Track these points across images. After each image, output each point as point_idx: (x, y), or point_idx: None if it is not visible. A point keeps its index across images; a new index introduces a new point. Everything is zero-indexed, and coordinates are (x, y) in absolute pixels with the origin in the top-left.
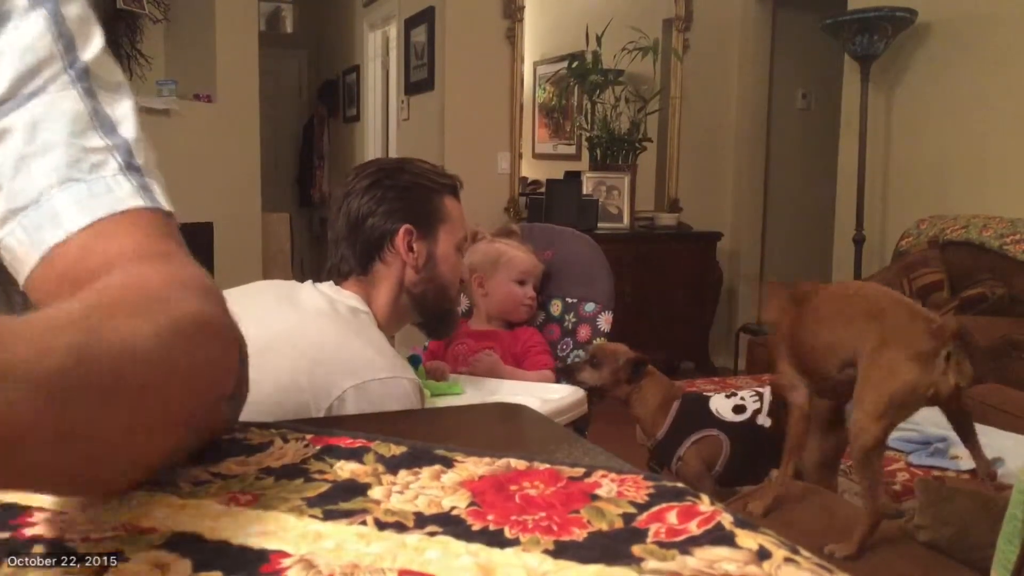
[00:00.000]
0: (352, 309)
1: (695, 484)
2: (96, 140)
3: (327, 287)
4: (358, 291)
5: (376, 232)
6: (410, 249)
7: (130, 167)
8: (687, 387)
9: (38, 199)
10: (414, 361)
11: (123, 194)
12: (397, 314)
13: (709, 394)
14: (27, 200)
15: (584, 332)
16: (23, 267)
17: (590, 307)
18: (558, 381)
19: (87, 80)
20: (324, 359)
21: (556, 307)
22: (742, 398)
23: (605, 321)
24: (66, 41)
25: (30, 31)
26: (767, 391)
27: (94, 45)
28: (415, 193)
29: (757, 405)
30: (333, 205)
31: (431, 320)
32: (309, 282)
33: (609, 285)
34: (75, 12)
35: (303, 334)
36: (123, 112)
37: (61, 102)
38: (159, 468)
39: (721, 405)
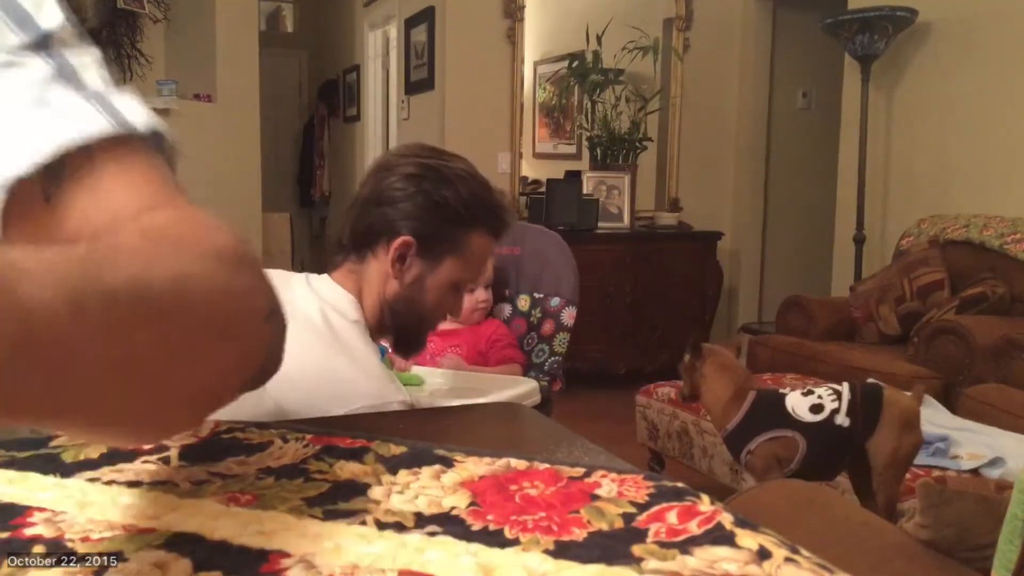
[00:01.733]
0: (342, 317)
1: (763, 479)
2: (61, 91)
3: (324, 284)
4: (352, 287)
5: (380, 223)
6: (400, 260)
7: (100, 100)
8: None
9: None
10: (379, 352)
11: (131, 114)
12: (383, 320)
13: (785, 391)
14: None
15: (548, 327)
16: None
17: (555, 302)
18: (526, 373)
19: (49, 45)
20: (310, 384)
21: (524, 302)
22: (819, 396)
23: (568, 316)
24: (18, 15)
25: None
26: (845, 389)
27: (50, 12)
28: (444, 212)
29: (835, 404)
30: (372, 169)
31: (399, 337)
32: (304, 277)
33: (574, 281)
34: None
35: (291, 354)
36: (86, 65)
37: (24, 72)
38: (218, 400)
39: (797, 404)
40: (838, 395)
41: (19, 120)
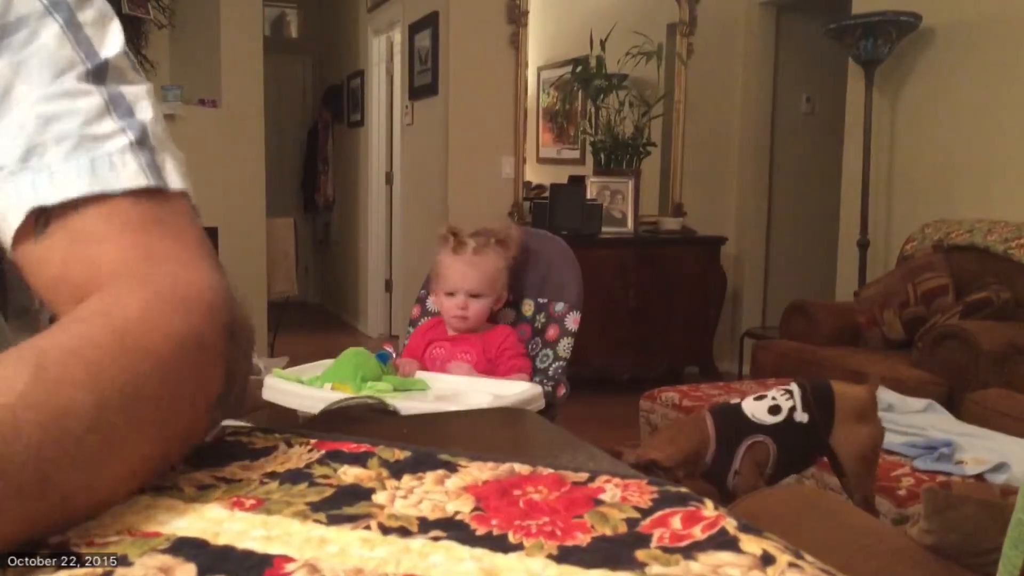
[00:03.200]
0: None
1: (748, 491)
2: (110, 125)
3: None
4: None
5: None
6: None
7: (142, 145)
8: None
9: (39, 167)
10: (383, 358)
11: (125, 174)
12: None
13: (735, 401)
14: (26, 166)
15: (552, 332)
16: (10, 227)
17: (559, 307)
18: (530, 379)
19: (105, 75)
20: None
21: (528, 307)
22: (773, 398)
23: (573, 321)
24: (85, 47)
25: (48, 40)
26: (795, 387)
27: (113, 43)
28: None
29: (791, 403)
30: None
31: None
32: None
33: (578, 286)
34: (91, 16)
35: None
36: (139, 94)
37: (79, 98)
38: (147, 478)
39: (755, 409)
40: (790, 394)
41: (63, 152)
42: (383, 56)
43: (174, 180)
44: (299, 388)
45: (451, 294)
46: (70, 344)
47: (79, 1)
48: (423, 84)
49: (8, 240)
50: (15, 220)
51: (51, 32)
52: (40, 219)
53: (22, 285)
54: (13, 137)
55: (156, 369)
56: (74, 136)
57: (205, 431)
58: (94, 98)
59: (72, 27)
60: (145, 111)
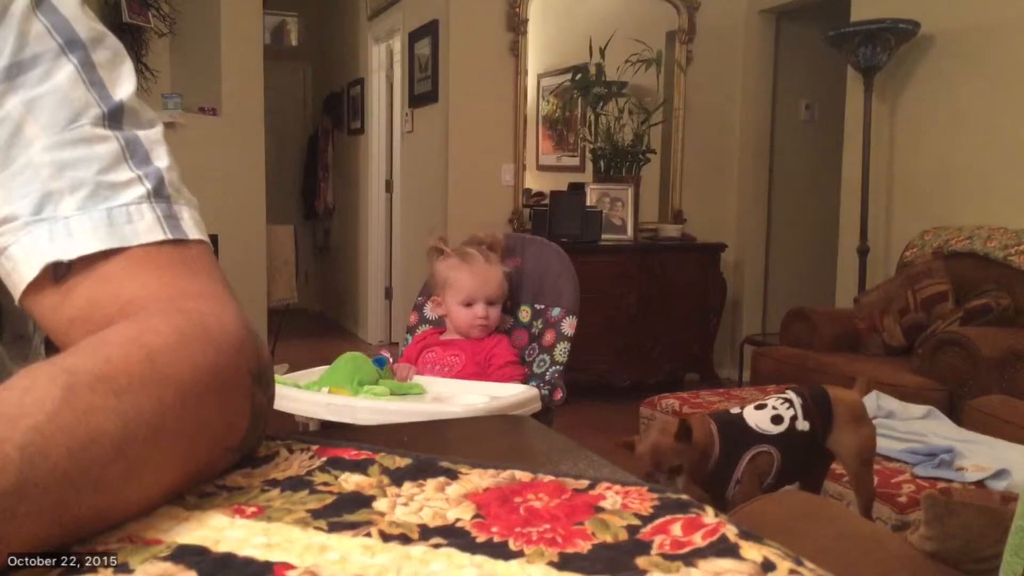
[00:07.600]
0: None
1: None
2: (126, 173)
3: None
4: None
5: None
6: None
7: (158, 195)
8: (701, 404)
9: (55, 217)
10: (379, 362)
11: (143, 226)
12: None
13: (736, 409)
14: (41, 217)
15: (549, 337)
16: (22, 277)
17: (556, 312)
18: (526, 383)
19: (121, 118)
20: None
21: (525, 313)
22: (774, 407)
23: (569, 326)
24: (99, 89)
25: (63, 80)
26: (793, 395)
27: (127, 84)
28: None
29: (792, 412)
30: None
31: None
32: None
33: (574, 291)
34: (105, 56)
35: None
36: (154, 139)
37: (95, 144)
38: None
39: (759, 419)
40: (789, 402)
41: (78, 200)
42: (383, 64)
43: (192, 231)
44: (297, 392)
45: (469, 304)
46: (100, 368)
47: (93, 41)
48: (423, 92)
49: (19, 289)
50: (29, 272)
51: (65, 72)
52: (60, 268)
53: (18, 313)
54: (27, 182)
55: (182, 401)
56: (90, 184)
57: (222, 471)
58: (111, 144)
59: (86, 68)
60: (161, 157)
